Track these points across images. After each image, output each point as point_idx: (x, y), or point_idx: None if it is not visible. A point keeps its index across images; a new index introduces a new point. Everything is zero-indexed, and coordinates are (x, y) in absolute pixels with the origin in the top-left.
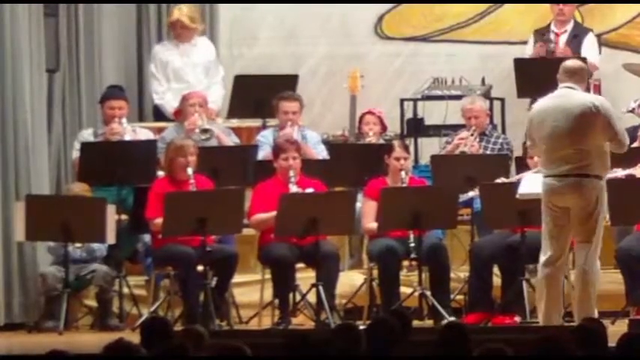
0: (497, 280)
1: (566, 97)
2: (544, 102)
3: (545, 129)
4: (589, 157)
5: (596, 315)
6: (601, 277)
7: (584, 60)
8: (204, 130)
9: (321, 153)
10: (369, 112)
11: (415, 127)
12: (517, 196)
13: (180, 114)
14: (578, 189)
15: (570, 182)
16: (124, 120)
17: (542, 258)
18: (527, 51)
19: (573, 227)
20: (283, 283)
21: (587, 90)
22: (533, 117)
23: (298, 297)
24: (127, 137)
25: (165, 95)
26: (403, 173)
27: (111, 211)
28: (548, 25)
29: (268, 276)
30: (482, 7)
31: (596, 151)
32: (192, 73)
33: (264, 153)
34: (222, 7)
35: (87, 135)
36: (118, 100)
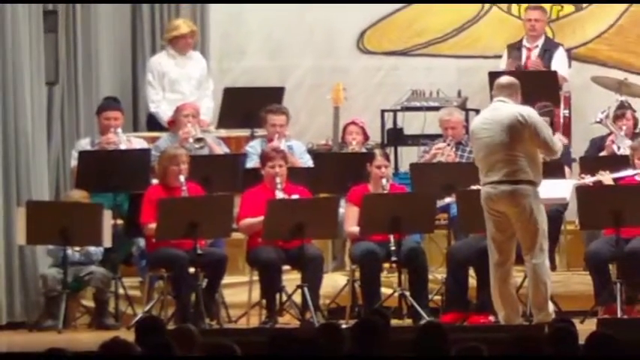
0: (472, 282)
1: (498, 109)
2: (480, 116)
3: (481, 140)
4: (520, 163)
5: (551, 309)
6: (551, 274)
7: (553, 73)
8: (198, 140)
9: (306, 162)
10: (352, 123)
11: (395, 137)
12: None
13: (174, 124)
14: (511, 196)
15: (504, 189)
16: (120, 130)
17: (491, 262)
18: (502, 65)
19: (517, 232)
20: (270, 285)
21: (537, 102)
22: (472, 130)
23: (284, 297)
24: (122, 146)
25: (161, 104)
26: (384, 180)
27: (107, 216)
28: (521, 40)
29: (256, 277)
30: (459, 22)
31: (528, 158)
32: (186, 85)
33: (252, 162)
34: (213, 23)
35: (84, 144)
36: (113, 111)
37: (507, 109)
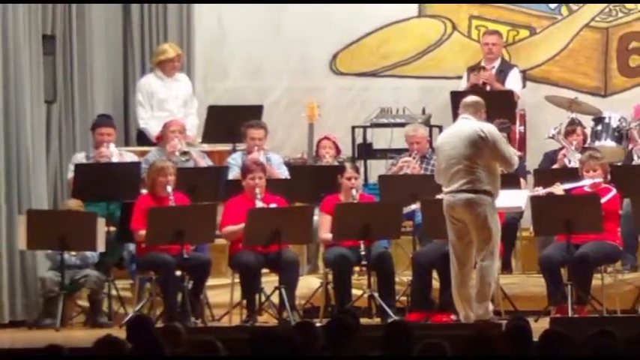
0: (435, 284)
1: (461, 126)
2: (445, 131)
3: (445, 153)
4: (479, 175)
5: (490, 307)
6: (497, 275)
7: (510, 92)
8: (184, 153)
9: (283, 173)
10: (325, 138)
11: (365, 151)
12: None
13: (162, 139)
14: (468, 203)
15: (461, 197)
16: (112, 144)
17: (452, 267)
18: (462, 84)
19: (470, 237)
20: (250, 286)
21: (495, 119)
22: (438, 145)
23: (263, 298)
24: (115, 159)
25: (150, 121)
26: (354, 191)
27: (101, 223)
28: (479, 62)
29: (237, 280)
30: (423, 46)
31: (487, 171)
32: (173, 104)
33: (233, 173)
34: (198, 46)
35: (80, 158)
36: (107, 127)
37: (470, 125)
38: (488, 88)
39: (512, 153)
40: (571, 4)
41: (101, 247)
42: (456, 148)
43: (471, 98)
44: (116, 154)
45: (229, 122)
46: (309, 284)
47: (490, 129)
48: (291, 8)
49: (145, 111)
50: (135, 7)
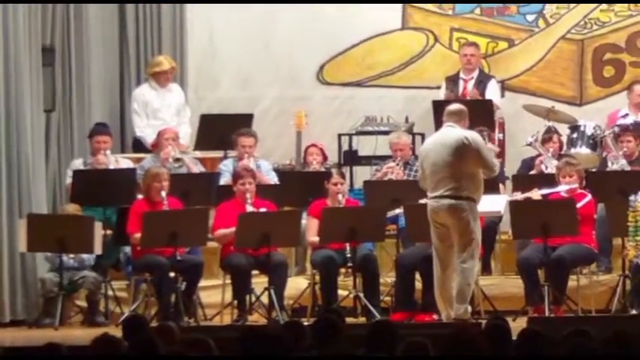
0: (418, 285)
1: (446, 133)
2: (430, 138)
3: (430, 159)
4: (462, 181)
5: (468, 308)
6: (477, 277)
7: (489, 101)
8: (177, 160)
9: (272, 179)
10: (313, 145)
11: (350, 158)
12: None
13: (156, 146)
14: (451, 208)
15: (445, 203)
16: (109, 152)
17: (435, 269)
18: (441, 94)
19: (452, 240)
20: (241, 287)
21: (474, 127)
22: (422, 151)
23: (253, 298)
24: (111, 166)
25: (145, 129)
26: (340, 196)
27: (98, 227)
28: (458, 72)
29: (228, 281)
30: (406, 57)
31: (469, 177)
32: (167, 113)
33: (225, 179)
34: (191, 58)
35: (78, 164)
36: (103, 135)
37: (454, 132)
38: (468, 97)
39: (495, 160)
40: (548, 17)
41: (98, 249)
42: (440, 155)
43: (455, 106)
44: (112, 161)
45: (221, 130)
46: (297, 285)
47: (474, 136)
48: (280, 21)
49: (140, 119)
50: (131, 21)
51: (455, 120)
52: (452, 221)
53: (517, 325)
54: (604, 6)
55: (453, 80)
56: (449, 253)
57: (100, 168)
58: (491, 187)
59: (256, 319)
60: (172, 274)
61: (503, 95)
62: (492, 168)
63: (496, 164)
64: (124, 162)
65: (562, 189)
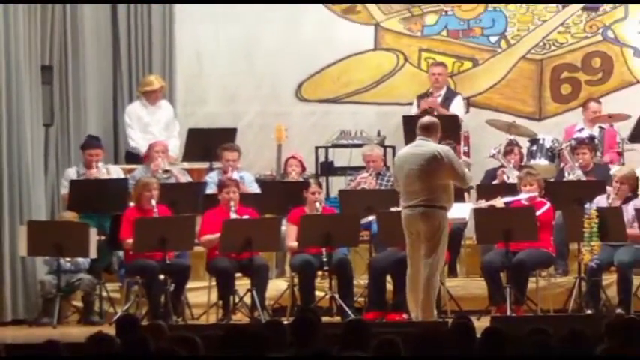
0: (389, 286)
1: (420, 146)
2: (404, 150)
3: (404, 171)
4: (435, 192)
5: (435, 313)
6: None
7: (455, 116)
8: (166, 171)
9: (254, 190)
10: (292, 157)
11: (327, 169)
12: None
13: (147, 158)
14: (425, 217)
15: (419, 211)
16: (101, 164)
17: (408, 272)
18: (413, 110)
19: (422, 244)
20: (225, 288)
21: (441, 140)
22: (396, 162)
23: (237, 299)
24: (103, 176)
25: (140, 141)
26: (317, 204)
27: (93, 233)
28: (427, 90)
29: (214, 283)
30: (378, 76)
31: (441, 188)
32: (157, 127)
33: (210, 189)
34: (179, 77)
35: (71, 173)
36: (95, 149)
37: (428, 146)
38: (435, 112)
39: (467, 172)
40: (509, 39)
41: (93, 253)
42: (414, 169)
43: (427, 120)
44: (104, 172)
45: (207, 143)
46: (277, 287)
47: (445, 150)
48: (262, 43)
49: (134, 132)
50: (123, 42)
51: (427, 133)
52: (424, 228)
53: (481, 324)
54: (561, 28)
55: (422, 97)
56: (421, 258)
57: (94, 178)
58: (458, 195)
59: (240, 318)
60: (162, 277)
61: (468, 111)
62: (464, 179)
63: (468, 175)
64: (113, 170)
65: (523, 197)
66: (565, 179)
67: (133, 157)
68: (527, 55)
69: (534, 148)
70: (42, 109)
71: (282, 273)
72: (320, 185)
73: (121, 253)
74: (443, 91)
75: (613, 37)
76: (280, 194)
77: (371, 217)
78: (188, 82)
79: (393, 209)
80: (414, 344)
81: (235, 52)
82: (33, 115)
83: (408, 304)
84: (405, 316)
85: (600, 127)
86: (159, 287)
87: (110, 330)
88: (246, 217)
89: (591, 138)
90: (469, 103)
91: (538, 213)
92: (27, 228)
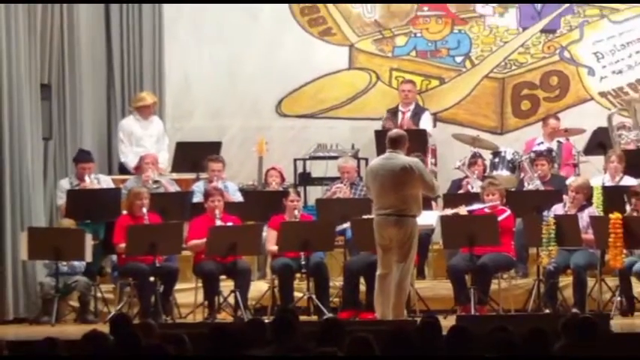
0: (362, 288)
1: (391, 158)
2: (376, 161)
3: (377, 181)
4: (407, 202)
5: (404, 312)
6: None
7: (423, 131)
8: (156, 181)
9: (238, 199)
10: (273, 168)
11: (305, 179)
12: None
13: (139, 169)
14: (397, 224)
15: (392, 219)
16: (93, 175)
17: (377, 273)
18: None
19: (394, 250)
20: (211, 290)
21: (410, 153)
22: (369, 172)
23: (222, 299)
24: (95, 187)
25: (129, 155)
26: (296, 211)
27: (88, 238)
28: (397, 105)
29: (200, 284)
30: (352, 93)
31: (412, 198)
32: (148, 141)
33: (197, 198)
34: (168, 94)
35: (64, 183)
36: (86, 162)
37: (398, 158)
38: (405, 127)
39: (435, 182)
40: (473, 59)
41: (88, 257)
42: (387, 180)
43: (395, 133)
44: (95, 184)
45: (194, 156)
46: (259, 288)
47: (417, 163)
48: (245, 62)
49: (125, 146)
50: (116, 62)
51: (396, 146)
52: (396, 234)
53: (447, 323)
54: (521, 49)
55: (393, 112)
56: (391, 262)
57: (89, 188)
58: (425, 204)
59: (224, 317)
60: (152, 279)
61: (435, 125)
62: (434, 188)
63: (437, 185)
64: (103, 181)
65: (485, 206)
66: (525, 189)
67: (125, 169)
68: (490, 74)
69: (496, 160)
70: (41, 124)
71: (264, 275)
72: (298, 194)
73: (114, 257)
74: (412, 107)
75: (569, 57)
76: (262, 202)
77: (345, 224)
78: (176, 99)
79: (366, 216)
80: (385, 341)
81: (220, 72)
82: (33, 129)
83: (375, 304)
84: (376, 315)
85: (558, 141)
86: (149, 288)
87: (104, 328)
88: (230, 223)
89: (549, 150)
90: (436, 118)
91: (499, 219)
92: (27, 234)
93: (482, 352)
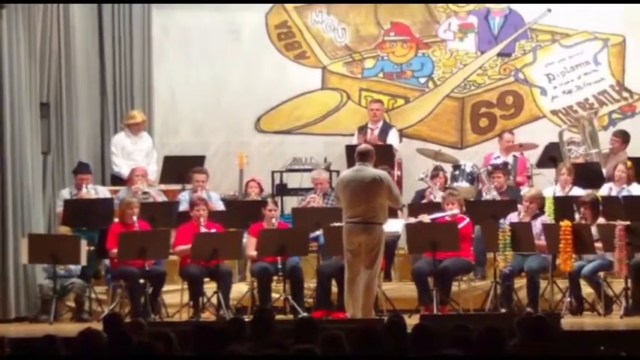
0: (334, 289)
1: (361, 171)
2: (347, 173)
3: (347, 191)
4: (375, 211)
5: (373, 312)
6: (377, 288)
7: (390, 146)
8: (145, 192)
9: (220, 207)
10: (252, 180)
11: (281, 190)
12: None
13: (129, 181)
14: (366, 231)
15: (361, 226)
16: (90, 185)
17: (346, 277)
18: (354, 140)
19: (362, 256)
20: (195, 291)
21: (378, 165)
22: (339, 183)
23: (205, 300)
24: (92, 197)
25: (121, 168)
26: (273, 219)
27: (83, 244)
28: (367, 123)
29: (186, 286)
30: (325, 111)
31: (380, 207)
32: (138, 155)
33: (183, 207)
34: (156, 112)
35: (65, 193)
36: (85, 174)
37: (368, 170)
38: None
39: (399, 194)
40: (436, 80)
41: (83, 261)
42: (358, 187)
43: (363, 147)
44: (92, 193)
45: (180, 168)
46: (239, 289)
47: (386, 175)
48: (227, 83)
49: (118, 159)
50: (109, 83)
51: (365, 159)
52: (365, 240)
53: (412, 321)
54: (479, 71)
55: (363, 129)
56: (359, 266)
57: (85, 198)
58: (392, 212)
59: (207, 316)
60: (142, 281)
61: (401, 141)
62: (399, 200)
63: (400, 197)
64: (101, 191)
65: (447, 214)
66: (483, 199)
67: (117, 180)
68: (451, 93)
69: (457, 172)
70: (40, 139)
71: (244, 278)
72: (276, 204)
73: (107, 261)
74: (380, 124)
75: (523, 79)
76: (242, 211)
77: (318, 231)
78: (163, 116)
79: (337, 224)
80: (355, 338)
81: (204, 91)
82: (33, 144)
83: (345, 304)
84: (347, 314)
85: (514, 155)
86: (139, 290)
87: (98, 326)
88: (213, 230)
89: (505, 164)
90: (402, 134)
91: (460, 227)
92: (27, 240)
93: (444, 347)
